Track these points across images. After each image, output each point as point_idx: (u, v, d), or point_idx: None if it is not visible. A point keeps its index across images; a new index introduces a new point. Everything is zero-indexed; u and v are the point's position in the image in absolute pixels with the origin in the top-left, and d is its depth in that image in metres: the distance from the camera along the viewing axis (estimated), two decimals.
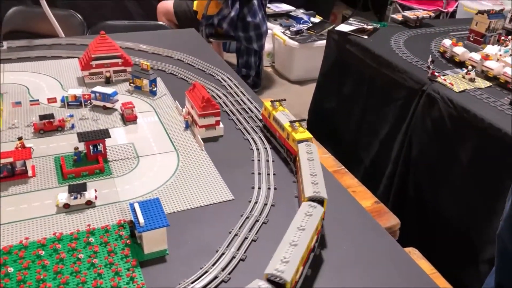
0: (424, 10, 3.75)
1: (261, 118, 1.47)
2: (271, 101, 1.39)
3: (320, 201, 0.96)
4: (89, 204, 1.09)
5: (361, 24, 2.52)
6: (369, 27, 2.49)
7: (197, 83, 1.44)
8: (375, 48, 2.28)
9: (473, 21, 2.37)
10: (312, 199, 0.97)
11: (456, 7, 4.43)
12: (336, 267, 0.97)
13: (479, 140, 1.70)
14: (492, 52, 2.09)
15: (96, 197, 1.09)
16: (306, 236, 0.85)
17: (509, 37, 2.34)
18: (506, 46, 2.21)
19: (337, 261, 0.99)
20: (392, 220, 1.10)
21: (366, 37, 2.39)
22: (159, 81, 1.68)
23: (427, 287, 0.95)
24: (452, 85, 1.91)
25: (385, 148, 2.25)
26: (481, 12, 2.36)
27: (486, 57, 2.05)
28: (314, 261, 0.96)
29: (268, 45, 3.98)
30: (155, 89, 1.61)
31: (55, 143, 1.31)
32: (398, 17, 2.63)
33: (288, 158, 1.29)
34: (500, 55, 2.07)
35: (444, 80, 1.95)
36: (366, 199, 1.18)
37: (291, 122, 1.27)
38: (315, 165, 1.07)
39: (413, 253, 1.05)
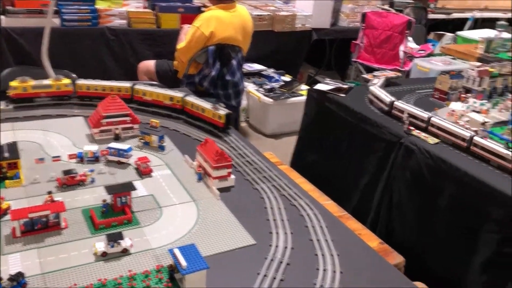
0: (386, 69, 4.09)
1: (266, 168, 1.62)
2: None
3: None
4: (125, 252, 1.16)
5: (338, 84, 2.75)
6: (345, 86, 2.72)
7: (208, 139, 1.57)
8: (353, 105, 2.50)
9: (437, 81, 2.65)
10: None
11: (411, 66, 4.82)
12: None
13: (457, 188, 1.89)
14: (457, 108, 2.36)
15: (132, 245, 1.17)
16: None
17: (468, 94, 2.62)
18: (467, 102, 2.49)
19: None
20: (397, 258, 1.24)
21: (343, 95, 2.61)
22: (165, 137, 1.80)
23: None
24: (427, 137, 2.12)
25: (366, 197, 2.41)
26: (443, 73, 2.65)
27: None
28: None
29: (242, 102, 4.18)
30: (163, 144, 1.73)
31: (79, 197, 1.39)
32: (369, 77, 2.89)
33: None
34: (464, 110, 2.32)
35: (419, 133, 2.16)
36: (372, 240, 1.32)
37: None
38: None
39: (422, 286, 1.19)
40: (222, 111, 1.87)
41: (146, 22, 4.06)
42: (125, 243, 1.16)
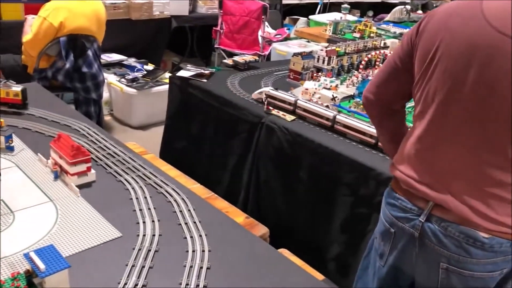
0: (247, 54, 4.22)
1: (129, 159, 1.58)
2: None
3: None
4: None
5: (199, 69, 2.77)
6: (206, 71, 2.75)
7: (62, 134, 1.48)
8: (215, 90, 2.54)
9: (291, 62, 2.81)
10: None
11: (270, 50, 5.05)
12: (227, 274, 1.13)
13: (313, 159, 2.05)
14: (310, 86, 2.53)
15: None
16: None
17: (319, 73, 2.83)
18: (318, 81, 2.69)
19: (227, 269, 1.15)
20: (262, 229, 1.31)
21: (205, 80, 2.64)
22: (14, 136, 1.65)
23: (300, 275, 1.18)
24: (285, 115, 2.26)
25: (235, 178, 2.49)
26: (296, 54, 2.82)
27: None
28: (208, 274, 1.10)
29: (104, 94, 4.00)
30: (12, 144, 1.59)
31: None
32: (229, 61, 2.96)
33: None
34: (316, 88, 2.51)
35: (278, 112, 2.29)
36: (238, 216, 1.38)
37: None
38: None
39: (285, 252, 1.27)
40: (16, 87, 1.83)
41: None
42: None
